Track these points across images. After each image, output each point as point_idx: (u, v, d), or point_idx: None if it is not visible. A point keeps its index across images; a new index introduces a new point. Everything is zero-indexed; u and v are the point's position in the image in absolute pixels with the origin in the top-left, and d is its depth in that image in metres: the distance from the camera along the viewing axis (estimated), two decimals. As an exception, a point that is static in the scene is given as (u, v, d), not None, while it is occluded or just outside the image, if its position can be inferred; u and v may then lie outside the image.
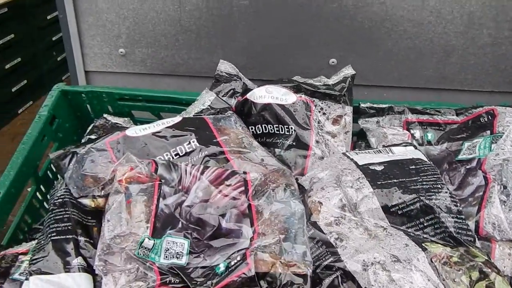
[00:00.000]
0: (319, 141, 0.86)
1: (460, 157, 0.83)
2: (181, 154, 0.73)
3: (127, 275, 0.60)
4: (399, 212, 0.66)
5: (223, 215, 0.65)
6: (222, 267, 0.60)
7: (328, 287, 0.57)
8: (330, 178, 0.73)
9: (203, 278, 0.60)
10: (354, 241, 0.62)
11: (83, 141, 0.95)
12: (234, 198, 0.66)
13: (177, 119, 0.79)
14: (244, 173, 0.69)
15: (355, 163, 0.75)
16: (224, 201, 0.66)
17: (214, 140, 0.75)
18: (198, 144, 0.74)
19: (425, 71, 1.14)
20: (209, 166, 0.70)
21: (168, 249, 0.62)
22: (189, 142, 0.74)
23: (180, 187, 0.67)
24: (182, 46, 1.17)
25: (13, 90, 2.46)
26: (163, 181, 0.67)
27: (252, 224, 0.64)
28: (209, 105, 0.86)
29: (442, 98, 1.16)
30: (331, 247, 0.62)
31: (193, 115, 0.84)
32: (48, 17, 2.61)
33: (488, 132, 0.85)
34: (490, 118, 0.86)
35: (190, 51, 1.18)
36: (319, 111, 0.88)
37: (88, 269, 0.64)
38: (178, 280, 0.59)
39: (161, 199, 0.65)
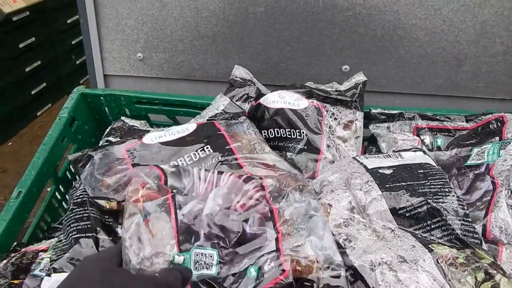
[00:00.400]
0: (330, 146, 0.87)
1: (469, 162, 0.84)
2: (194, 160, 0.74)
3: None
4: (407, 214, 0.67)
5: (246, 220, 0.64)
6: (253, 272, 0.59)
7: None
8: (340, 181, 0.74)
9: (236, 285, 0.59)
10: (362, 242, 0.64)
11: (101, 143, 0.98)
12: (255, 203, 0.66)
13: (192, 127, 0.80)
14: (260, 178, 0.69)
15: (365, 166, 0.76)
16: (246, 207, 0.65)
17: (227, 147, 0.76)
18: (211, 151, 0.75)
19: (437, 79, 1.15)
20: (223, 171, 0.69)
21: (198, 261, 0.61)
22: (203, 149, 0.75)
23: (194, 194, 0.66)
24: (199, 52, 1.20)
25: (32, 92, 2.50)
26: (175, 191, 0.66)
27: (274, 226, 0.64)
28: (223, 110, 0.88)
29: (454, 106, 1.17)
30: (340, 248, 0.63)
31: (207, 119, 0.86)
32: (68, 21, 2.66)
33: (497, 138, 0.86)
34: (499, 124, 0.87)
35: (206, 57, 1.20)
36: (331, 116, 0.90)
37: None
38: None
39: (178, 210, 0.64)
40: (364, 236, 0.65)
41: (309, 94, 0.90)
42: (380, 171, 0.74)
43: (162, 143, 0.76)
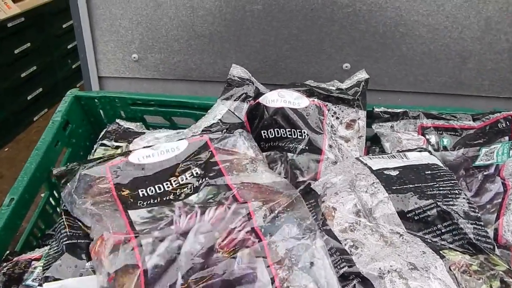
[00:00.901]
0: (332, 146, 0.84)
1: (477, 163, 0.82)
2: (181, 182, 0.68)
3: None
4: (416, 218, 0.64)
5: (234, 257, 0.57)
6: None
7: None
8: (344, 183, 0.71)
9: None
10: (369, 248, 0.60)
11: (95, 146, 0.95)
12: (243, 239, 0.59)
13: (183, 145, 0.74)
14: (245, 202, 0.63)
15: (369, 168, 0.73)
16: (233, 244, 0.58)
17: (216, 167, 0.70)
18: (199, 173, 0.69)
19: (441, 77, 1.12)
20: (209, 207, 0.63)
21: None
22: (192, 173, 0.69)
23: (172, 228, 0.60)
24: (195, 51, 1.17)
25: (28, 98, 2.49)
26: (144, 232, 0.59)
27: (267, 264, 0.57)
28: (219, 119, 0.83)
29: (458, 104, 1.14)
30: (346, 255, 0.60)
31: (202, 130, 0.81)
32: (64, 26, 2.66)
33: (507, 138, 0.83)
34: (508, 124, 0.85)
35: (202, 56, 1.18)
36: (332, 115, 0.87)
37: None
38: None
39: (146, 257, 0.56)
40: (371, 241, 0.61)
41: (309, 93, 0.87)
42: (385, 172, 0.71)
43: (149, 164, 0.71)
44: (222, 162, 0.70)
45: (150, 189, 0.66)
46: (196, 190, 0.66)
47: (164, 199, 0.66)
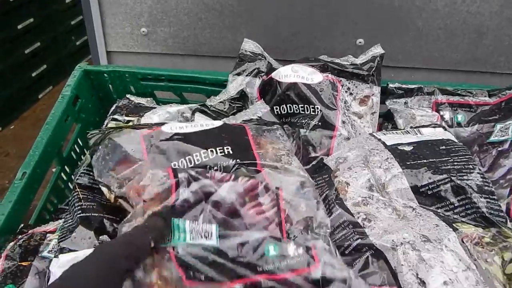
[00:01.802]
0: (345, 122, 0.84)
1: (492, 139, 0.81)
2: (211, 157, 0.65)
3: None
4: (429, 192, 0.64)
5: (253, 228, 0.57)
6: (272, 250, 0.52)
7: (361, 268, 0.56)
8: (358, 158, 0.71)
9: (248, 259, 0.51)
10: (382, 221, 0.61)
11: (106, 121, 0.95)
12: (266, 219, 0.58)
13: (218, 123, 0.72)
14: (277, 188, 0.61)
15: (383, 143, 0.73)
16: (256, 219, 0.57)
17: (250, 151, 0.67)
18: (231, 152, 0.65)
19: (456, 53, 1.10)
20: (240, 175, 0.61)
21: (194, 229, 0.53)
22: (223, 149, 0.66)
23: (207, 174, 0.59)
24: (205, 25, 1.15)
25: (33, 75, 2.47)
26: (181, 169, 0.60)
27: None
28: (259, 116, 0.81)
29: (473, 81, 1.12)
30: (359, 227, 0.60)
31: (240, 122, 0.78)
32: (67, 0, 2.61)
33: (523, 114, 0.82)
34: (524, 99, 0.84)
35: (213, 31, 1.16)
36: (346, 91, 0.86)
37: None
38: (207, 272, 0.51)
39: (180, 189, 0.57)
40: (384, 215, 0.61)
41: (323, 68, 0.86)
42: (400, 147, 0.71)
43: (181, 134, 0.68)
44: (256, 148, 0.68)
45: (181, 161, 0.64)
46: (226, 169, 0.63)
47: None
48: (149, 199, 0.56)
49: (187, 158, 0.64)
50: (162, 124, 0.71)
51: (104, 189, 0.66)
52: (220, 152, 0.65)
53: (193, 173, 0.59)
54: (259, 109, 0.82)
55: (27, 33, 2.35)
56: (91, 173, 0.72)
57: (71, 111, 0.94)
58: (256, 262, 0.51)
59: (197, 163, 0.63)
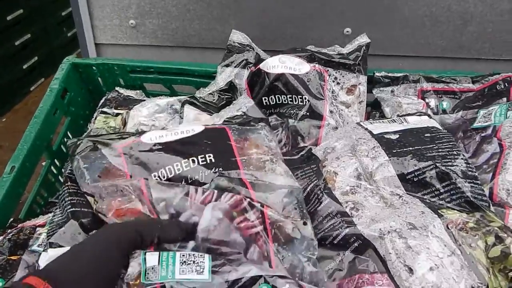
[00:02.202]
0: (333, 111, 0.85)
1: (475, 125, 0.82)
2: (192, 166, 0.62)
3: None
4: (415, 179, 0.65)
5: (248, 247, 0.55)
6: None
7: (351, 257, 0.57)
8: (345, 148, 0.72)
9: None
10: (370, 210, 0.62)
11: (95, 114, 0.95)
12: (256, 234, 0.56)
13: (198, 128, 0.69)
14: (262, 205, 0.58)
15: (370, 132, 0.74)
16: (247, 233, 0.55)
17: (232, 159, 0.64)
18: (213, 160, 0.63)
19: (442, 40, 1.11)
20: (225, 192, 0.58)
21: (185, 261, 0.49)
22: (204, 157, 0.63)
23: (187, 204, 0.56)
24: (194, 17, 1.15)
25: (24, 67, 2.45)
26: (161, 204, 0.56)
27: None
28: (243, 112, 0.80)
29: (458, 67, 1.13)
30: (347, 217, 0.61)
31: (225, 120, 0.76)
32: (57, -9, 2.58)
33: (505, 99, 0.84)
34: (507, 85, 0.85)
35: (201, 22, 1.16)
36: (333, 81, 0.87)
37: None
38: None
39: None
40: (371, 203, 0.63)
41: (310, 58, 0.87)
42: (386, 136, 0.72)
43: (161, 144, 0.65)
44: (240, 155, 0.64)
45: (161, 172, 0.62)
46: (207, 179, 0.61)
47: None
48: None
49: (167, 168, 0.61)
50: (142, 133, 0.68)
51: (89, 198, 0.64)
52: (202, 161, 0.62)
53: (172, 211, 0.56)
54: (243, 104, 0.80)
55: (16, 24, 2.32)
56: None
57: (60, 104, 0.94)
58: None
59: (177, 173, 0.61)
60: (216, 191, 0.57)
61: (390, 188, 0.66)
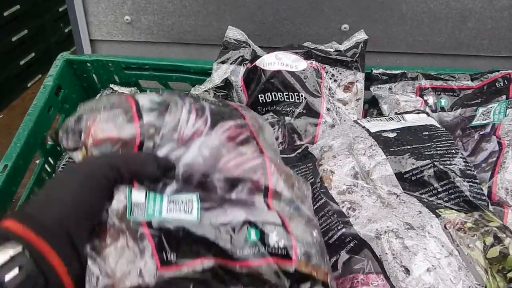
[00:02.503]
0: (330, 109, 0.84)
1: (474, 123, 0.82)
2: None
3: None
4: (413, 178, 0.64)
5: (233, 186, 0.50)
6: (253, 235, 0.46)
7: (346, 257, 0.56)
8: (342, 146, 0.71)
9: (227, 241, 0.45)
10: (366, 210, 0.61)
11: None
12: (250, 169, 0.51)
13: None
14: (262, 156, 0.54)
15: (367, 130, 0.73)
16: (238, 171, 0.51)
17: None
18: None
19: (440, 37, 1.10)
20: (221, 120, 0.53)
21: (173, 200, 0.46)
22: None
23: (174, 136, 0.51)
24: (190, 13, 1.14)
25: (21, 63, 2.44)
26: (150, 130, 0.50)
27: (266, 203, 0.51)
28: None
29: (457, 65, 1.12)
30: (343, 217, 0.61)
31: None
32: (53, -13, 2.57)
33: (504, 97, 0.83)
34: (506, 82, 0.84)
35: (197, 18, 1.14)
36: (330, 78, 0.86)
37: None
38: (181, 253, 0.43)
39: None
40: (368, 203, 0.62)
41: (307, 55, 0.86)
42: (383, 134, 0.71)
43: None
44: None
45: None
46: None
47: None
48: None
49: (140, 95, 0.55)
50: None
51: (75, 154, 0.55)
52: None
53: (158, 141, 0.51)
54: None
55: (13, 20, 2.30)
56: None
57: (54, 101, 0.93)
58: (235, 245, 0.45)
59: None
60: (208, 123, 0.52)
61: (387, 187, 0.65)
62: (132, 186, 0.46)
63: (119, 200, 0.44)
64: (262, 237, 0.46)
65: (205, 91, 0.86)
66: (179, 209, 0.45)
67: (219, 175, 0.50)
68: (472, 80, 0.88)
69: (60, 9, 2.66)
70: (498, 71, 0.86)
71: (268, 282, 0.46)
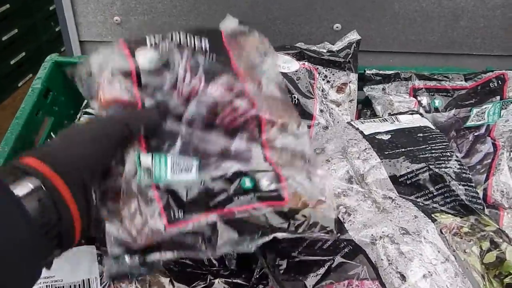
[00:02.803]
0: (323, 110, 0.83)
1: (468, 124, 0.81)
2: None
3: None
4: (408, 182, 0.64)
5: (231, 139, 0.55)
6: (247, 182, 0.52)
7: (340, 263, 0.55)
8: (336, 150, 0.71)
9: (225, 193, 0.51)
10: (362, 215, 0.60)
11: (79, 115, 0.93)
12: (245, 122, 0.56)
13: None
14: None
15: (361, 132, 0.72)
16: (234, 124, 0.56)
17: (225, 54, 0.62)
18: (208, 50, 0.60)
19: (433, 36, 1.09)
20: (215, 78, 0.56)
21: (176, 162, 0.52)
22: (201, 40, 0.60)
23: (174, 94, 0.55)
24: (180, 13, 1.12)
25: (11, 62, 2.41)
26: (150, 90, 0.54)
27: (264, 154, 0.56)
28: None
29: (450, 64, 1.12)
30: (339, 222, 0.60)
31: None
32: (44, -14, 2.54)
33: (498, 97, 0.83)
34: (500, 83, 0.84)
35: (188, 18, 1.13)
36: (323, 79, 0.85)
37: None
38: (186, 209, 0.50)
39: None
40: (363, 208, 0.61)
41: (300, 56, 0.85)
42: (377, 137, 0.70)
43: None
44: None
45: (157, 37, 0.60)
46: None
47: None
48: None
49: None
50: None
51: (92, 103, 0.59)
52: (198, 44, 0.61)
53: (159, 97, 0.55)
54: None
55: (3, 19, 2.27)
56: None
57: (43, 104, 0.91)
58: (232, 194, 0.51)
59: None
60: (203, 80, 0.56)
61: (382, 191, 0.64)
62: (140, 148, 0.51)
63: (130, 165, 0.49)
64: (256, 184, 0.52)
65: None
66: (181, 170, 0.51)
67: (217, 130, 0.55)
68: (466, 80, 0.87)
69: (51, 8, 2.62)
70: (492, 71, 0.86)
71: (266, 224, 0.51)
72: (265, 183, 0.52)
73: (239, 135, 0.55)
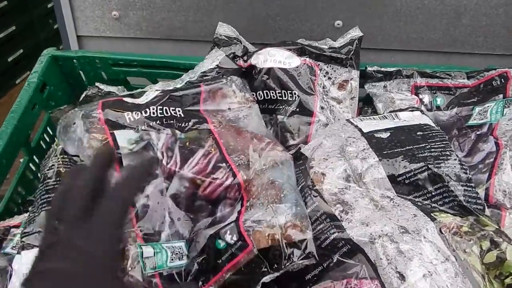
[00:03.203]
0: (324, 107, 0.82)
1: (471, 122, 0.80)
2: (166, 115, 0.67)
3: None
4: (406, 181, 0.63)
5: (216, 205, 0.62)
6: (221, 243, 0.57)
7: (339, 262, 0.55)
8: (334, 148, 0.69)
9: (206, 262, 0.57)
10: (359, 213, 0.59)
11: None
12: (225, 189, 0.62)
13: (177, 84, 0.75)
14: (234, 175, 0.62)
15: (360, 130, 0.71)
16: (216, 194, 0.62)
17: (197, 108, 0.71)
18: (182, 115, 0.69)
19: (435, 34, 1.08)
20: (190, 158, 0.63)
21: (173, 251, 0.59)
22: (175, 111, 0.69)
23: (157, 171, 0.61)
24: (180, 8, 1.11)
25: (9, 60, 2.40)
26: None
27: (242, 205, 0.61)
28: (217, 65, 0.80)
29: (452, 62, 1.11)
30: (336, 221, 0.59)
31: (199, 75, 0.79)
32: (41, -18, 2.53)
33: (501, 96, 0.81)
34: (503, 81, 0.82)
35: (188, 14, 1.12)
36: (324, 76, 0.84)
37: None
38: None
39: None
40: (361, 206, 0.60)
41: (301, 52, 0.83)
42: (376, 135, 0.69)
43: (138, 104, 0.69)
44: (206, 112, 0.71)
45: (136, 113, 0.65)
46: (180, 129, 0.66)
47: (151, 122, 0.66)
48: None
49: (142, 111, 0.66)
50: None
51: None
52: (172, 112, 0.68)
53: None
54: (215, 56, 0.82)
55: (1, 16, 2.26)
56: (59, 164, 0.70)
57: (39, 98, 0.90)
58: (215, 259, 0.57)
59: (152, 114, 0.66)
60: (179, 159, 0.62)
61: (380, 190, 0.63)
62: (141, 243, 0.56)
63: (132, 258, 0.55)
64: (227, 241, 0.57)
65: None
66: (177, 257, 0.58)
67: (201, 201, 0.62)
68: (468, 78, 0.86)
69: (49, 5, 2.61)
70: (495, 69, 0.84)
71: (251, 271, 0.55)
72: (228, 237, 0.57)
73: (221, 203, 0.62)
